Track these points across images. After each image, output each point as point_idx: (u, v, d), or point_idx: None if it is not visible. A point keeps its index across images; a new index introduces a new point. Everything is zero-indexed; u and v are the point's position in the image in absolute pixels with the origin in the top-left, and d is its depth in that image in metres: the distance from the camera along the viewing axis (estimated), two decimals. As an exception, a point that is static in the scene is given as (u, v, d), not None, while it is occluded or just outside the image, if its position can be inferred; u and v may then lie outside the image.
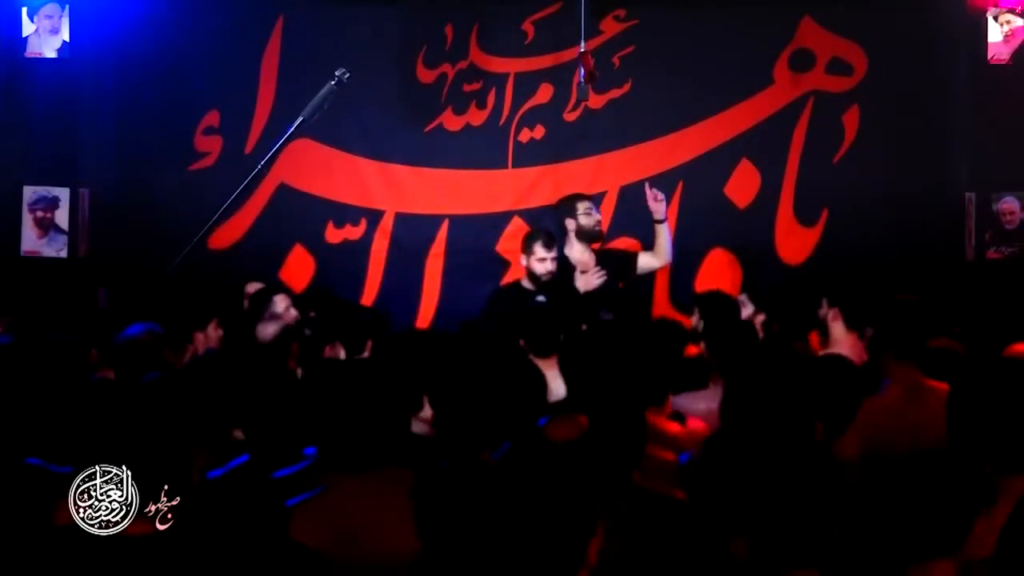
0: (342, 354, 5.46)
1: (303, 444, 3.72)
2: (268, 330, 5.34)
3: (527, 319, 5.40)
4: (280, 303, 5.88)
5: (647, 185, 7.44)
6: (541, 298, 6.73)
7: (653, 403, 4.10)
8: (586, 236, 7.38)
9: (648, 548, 2.99)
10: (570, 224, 7.39)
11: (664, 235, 7.39)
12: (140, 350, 4.70)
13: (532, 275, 7.08)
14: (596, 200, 7.73)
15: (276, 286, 6.40)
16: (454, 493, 2.65)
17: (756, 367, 3.76)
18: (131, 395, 3.00)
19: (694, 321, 5.98)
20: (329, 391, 3.41)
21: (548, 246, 7.08)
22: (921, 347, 4.45)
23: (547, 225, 7.61)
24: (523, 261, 7.16)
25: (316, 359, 5.32)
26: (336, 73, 6.66)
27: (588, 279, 7.19)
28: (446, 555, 2.63)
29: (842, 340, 5.14)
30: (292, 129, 6.73)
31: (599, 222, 7.51)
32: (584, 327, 5.73)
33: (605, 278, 7.22)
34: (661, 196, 7.37)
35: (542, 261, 7.05)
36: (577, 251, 7.36)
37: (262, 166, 6.87)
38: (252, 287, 6.72)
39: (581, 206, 7.42)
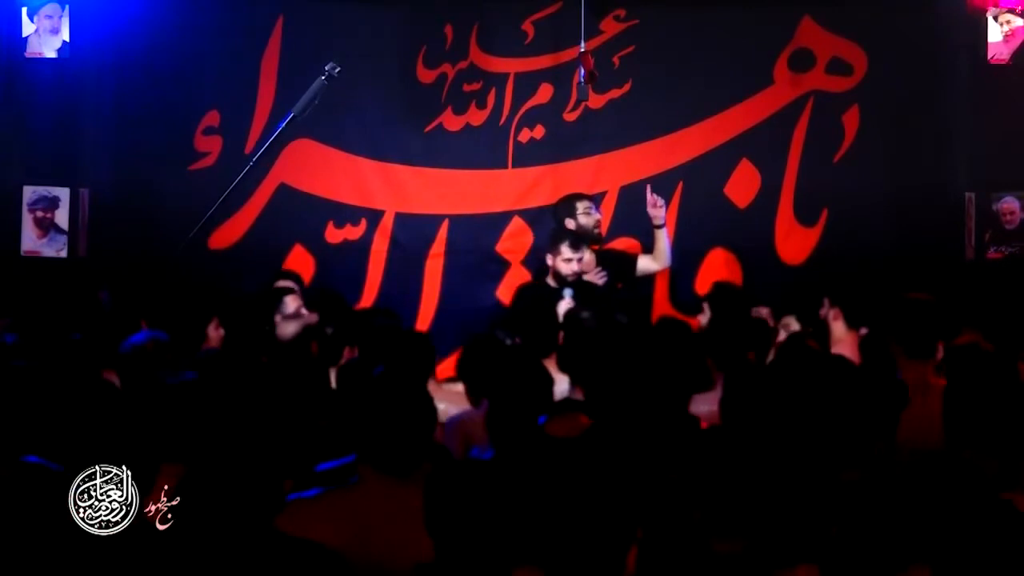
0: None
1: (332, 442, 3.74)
2: (289, 329, 5.31)
3: (529, 318, 5.41)
4: (291, 304, 5.86)
5: (648, 189, 7.44)
6: (568, 292, 6.71)
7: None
8: (585, 236, 7.38)
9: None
10: (569, 224, 7.39)
11: (663, 240, 7.40)
12: (144, 357, 4.71)
13: (557, 275, 7.04)
14: (596, 200, 7.73)
15: (288, 288, 6.32)
16: (470, 496, 2.64)
17: (757, 366, 3.77)
18: (143, 398, 3.00)
19: (703, 320, 5.97)
20: (366, 397, 3.42)
21: (575, 247, 7.04)
22: (931, 346, 4.46)
23: (547, 225, 7.61)
24: (548, 261, 7.11)
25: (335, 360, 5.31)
26: (326, 68, 6.64)
27: (589, 280, 7.19)
28: (462, 561, 2.61)
29: (843, 340, 5.15)
30: (283, 125, 6.74)
31: (599, 222, 7.52)
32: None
33: (606, 279, 7.22)
34: (661, 202, 7.37)
35: (568, 262, 7.01)
36: None
37: (254, 162, 6.87)
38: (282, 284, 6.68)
39: (580, 206, 7.42)
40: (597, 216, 7.50)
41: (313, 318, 5.73)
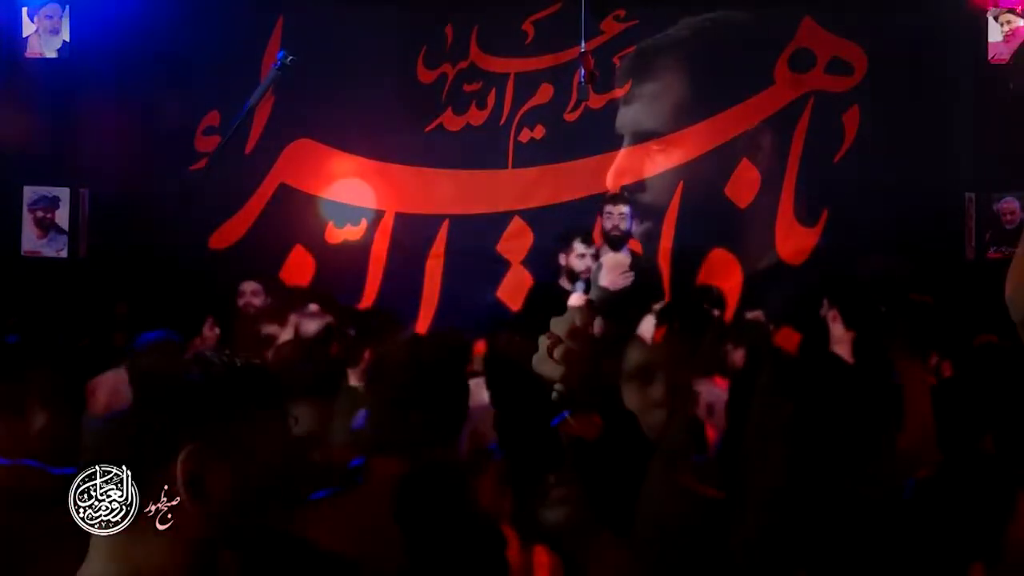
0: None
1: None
2: (311, 326, 5.28)
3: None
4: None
5: None
6: (580, 286, 6.67)
7: None
8: (607, 239, 7.28)
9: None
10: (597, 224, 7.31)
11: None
12: (156, 355, 4.68)
13: (570, 272, 6.97)
14: (623, 201, 7.54)
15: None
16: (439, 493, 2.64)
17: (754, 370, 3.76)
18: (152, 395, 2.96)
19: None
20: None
21: (587, 243, 6.99)
22: (927, 347, 4.45)
23: (547, 225, 7.60)
24: (561, 260, 7.05)
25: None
26: (278, 57, 6.63)
27: (613, 278, 7.04)
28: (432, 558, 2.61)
29: (842, 340, 5.13)
30: (242, 115, 6.74)
31: (616, 226, 7.31)
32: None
33: (632, 279, 7.05)
34: None
35: (581, 257, 6.94)
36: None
37: (222, 148, 6.87)
38: (247, 285, 6.70)
39: (605, 208, 7.35)
40: (614, 221, 7.30)
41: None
